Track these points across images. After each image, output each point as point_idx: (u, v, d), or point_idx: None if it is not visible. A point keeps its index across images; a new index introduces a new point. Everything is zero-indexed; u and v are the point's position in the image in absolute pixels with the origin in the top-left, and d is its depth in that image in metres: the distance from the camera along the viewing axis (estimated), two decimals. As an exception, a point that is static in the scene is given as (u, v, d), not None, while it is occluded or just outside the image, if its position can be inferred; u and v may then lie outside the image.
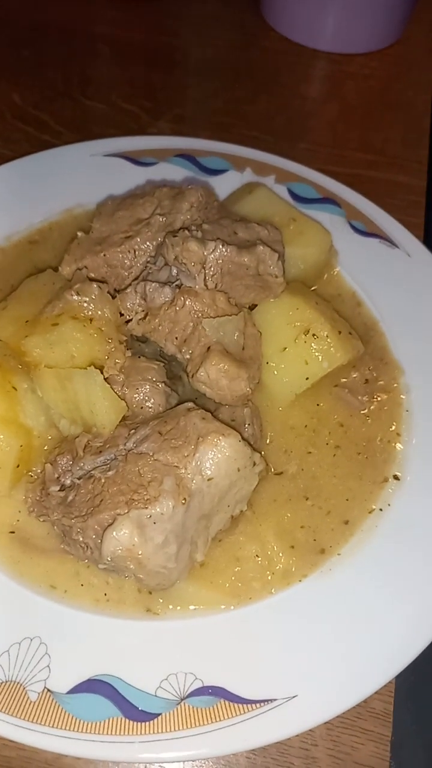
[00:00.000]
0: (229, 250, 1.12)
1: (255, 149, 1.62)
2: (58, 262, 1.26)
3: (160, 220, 1.22)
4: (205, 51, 2.13)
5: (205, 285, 1.13)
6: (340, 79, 2.04)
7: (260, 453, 1.07)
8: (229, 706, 0.93)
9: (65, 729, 0.90)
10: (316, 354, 1.17)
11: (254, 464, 1.02)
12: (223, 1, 2.29)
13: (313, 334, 1.17)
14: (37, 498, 1.05)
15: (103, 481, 0.99)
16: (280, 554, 1.07)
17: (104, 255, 1.21)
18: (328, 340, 1.17)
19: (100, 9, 2.24)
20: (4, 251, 1.43)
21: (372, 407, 1.23)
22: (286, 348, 1.18)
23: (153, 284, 1.15)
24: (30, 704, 0.92)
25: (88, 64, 2.05)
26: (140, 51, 2.11)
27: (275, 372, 1.19)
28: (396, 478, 1.15)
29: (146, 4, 2.25)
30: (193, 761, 0.98)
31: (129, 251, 1.21)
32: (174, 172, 1.57)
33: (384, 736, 1.00)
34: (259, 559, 1.06)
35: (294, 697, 0.93)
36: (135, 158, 1.58)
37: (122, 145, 1.61)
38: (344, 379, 1.26)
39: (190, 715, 0.92)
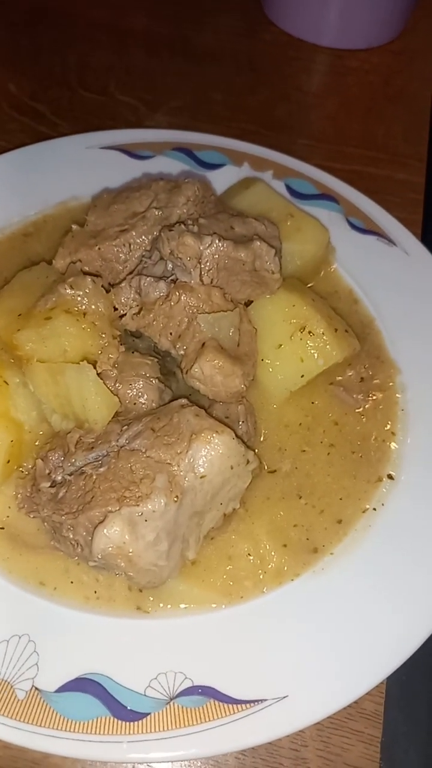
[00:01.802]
0: (225, 245, 1.10)
1: (253, 144, 1.60)
2: (52, 255, 1.24)
3: (156, 213, 1.20)
4: (205, 42, 2.10)
5: (201, 280, 1.12)
6: (341, 73, 2.02)
7: (254, 451, 1.06)
8: (219, 706, 0.92)
9: (53, 728, 0.89)
10: (312, 351, 1.16)
11: (248, 462, 1.01)
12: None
13: (309, 332, 1.16)
14: (28, 494, 1.04)
15: (94, 477, 0.98)
16: (273, 553, 1.06)
17: (99, 248, 1.19)
18: (324, 337, 1.16)
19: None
20: (-3, 243, 1.41)
21: (367, 406, 1.22)
22: (281, 345, 1.17)
23: (148, 279, 1.13)
24: (17, 703, 0.91)
25: (85, 53, 2.03)
26: (139, 40, 2.09)
27: (270, 369, 1.18)
28: (390, 477, 1.14)
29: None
30: (182, 762, 0.97)
31: (124, 245, 1.20)
32: (171, 165, 1.55)
33: (374, 737, 0.99)
34: (252, 557, 1.05)
35: (284, 697, 0.92)
36: (132, 151, 1.57)
37: (119, 137, 1.59)
38: (340, 377, 1.25)
39: (179, 715, 0.91)
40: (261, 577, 1.04)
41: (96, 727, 0.90)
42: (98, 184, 1.50)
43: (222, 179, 1.52)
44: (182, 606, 1.01)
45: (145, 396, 1.09)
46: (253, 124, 1.85)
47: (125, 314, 1.15)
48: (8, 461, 1.07)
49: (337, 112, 1.92)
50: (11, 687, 0.92)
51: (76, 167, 1.53)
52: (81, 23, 2.12)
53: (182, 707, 0.92)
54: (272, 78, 2.00)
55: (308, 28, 2.06)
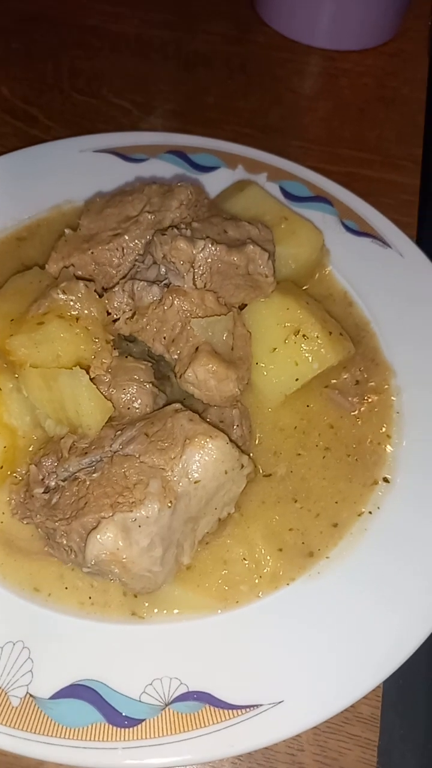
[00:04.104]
0: (218, 249, 1.10)
1: (247, 146, 1.60)
2: (45, 260, 1.24)
3: (149, 217, 1.20)
4: (197, 45, 2.10)
5: (194, 284, 1.11)
6: (335, 75, 2.02)
7: (249, 455, 1.06)
8: (215, 711, 0.91)
9: (47, 735, 0.89)
10: (307, 355, 1.16)
11: (242, 466, 1.01)
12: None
13: (304, 335, 1.16)
14: (21, 500, 1.04)
15: (88, 483, 0.97)
16: (268, 557, 1.05)
17: (92, 253, 1.19)
18: (319, 341, 1.16)
19: (91, 1, 2.21)
20: (-10, 248, 1.41)
21: (362, 409, 1.22)
22: (276, 348, 1.16)
23: (141, 283, 1.13)
24: (12, 709, 0.91)
25: (78, 57, 2.02)
26: (132, 44, 2.09)
27: (265, 372, 1.18)
28: (386, 480, 1.14)
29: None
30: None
31: (117, 249, 1.19)
32: (165, 168, 1.55)
33: (371, 741, 0.99)
34: (247, 562, 1.05)
35: (280, 702, 0.92)
36: (125, 154, 1.56)
37: (112, 141, 1.59)
38: (335, 380, 1.24)
39: (174, 720, 0.91)
40: (256, 581, 1.03)
41: (91, 734, 0.89)
42: (92, 187, 1.50)
43: (216, 182, 1.51)
44: (177, 611, 1.01)
45: (139, 401, 1.09)
46: (246, 126, 1.85)
47: (118, 318, 1.14)
48: (2, 467, 1.07)
49: (330, 115, 1.92)
50: (5, 694, 0.92)
51: (69, 171, 1.53)
52: (74, 27, 2.11)
53: (177, 713, 0.91)
54: (265, 80, 2.00)
55: (301, 29, 2.06)
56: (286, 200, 1.50)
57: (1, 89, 1.89)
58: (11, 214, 1.46)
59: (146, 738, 0.89)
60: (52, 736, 0.89)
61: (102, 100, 1.89)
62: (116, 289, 1.14)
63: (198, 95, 1.94)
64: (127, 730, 0.90)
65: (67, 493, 0.98)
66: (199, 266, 1.11)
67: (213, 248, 1.10)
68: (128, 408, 1.09)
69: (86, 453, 1.03)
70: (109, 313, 1.14)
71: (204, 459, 0.96)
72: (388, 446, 1.18)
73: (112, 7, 2.19)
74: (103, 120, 1.83)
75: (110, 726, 0.90)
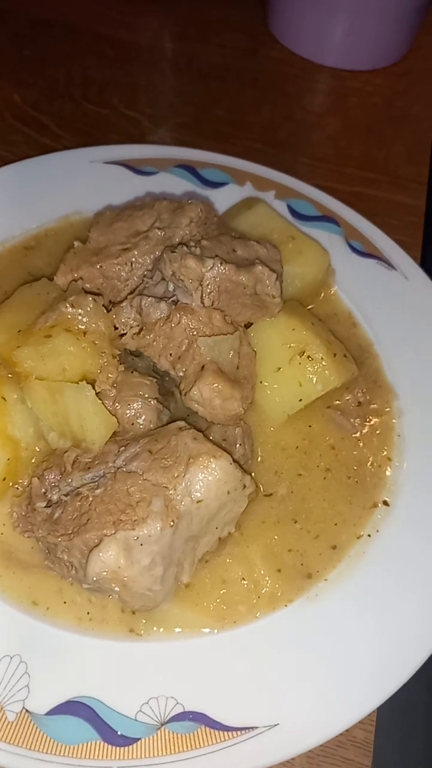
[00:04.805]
0: (227, 268, 1.11)
1: (256, 163, 1.61)
2: (52, 270, 1.24)
3: (159, 234, 1.20)
4: (210, 58, 2.11)
5: (202, 302, 1.12)
6: (344, 94, 2.04)
7: (251, 474, 1.06)
8: (210, 732, 0.92)
9: (42, 751, 0.89)
10: (311, 376, 1.16)
11: (244, 487, 1.01)
12: (231, 7, 2.28)
13: (308, 356, 1.16)
14: (23, 513, 1.04)
15: (90, 499, 0.97)
16: (267, 578, 1.06)
17: (100, 266, 1.19)
18: (323, 362, 1.16)
19: (106, 9, 2.22)
20: (-2, 256, 1.41)
21: (364, 431, 1.23)
22: (280, 368, 1.17)
23: (149, 299, 1.13)
24: (7, 725, 0.91)
25: (90, 66, 2.03)
26: (144, 55, 2.10)
27: (268, 392, 1.18)
28: (386, 503, 1.15)
29: (152, 8, 2.24)
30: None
31: (126, 264, 1.20)
32: (174, 183, 1.55)
33: (365, 766, 0.99)
34: (246, 582, 1.05)
35: (275, 725, 0.92)
36: (135, 167, 1.57)
37: (123, 152, 1.59)
38: (337, 401, 1.25)
39: (169, 740, 0.91)
40: (254, 601, 1.04)
41: (86, 752, 0.90)
42: (101, 199, 1.50)
43: (224, 198, 1.52)
44: (175, 630, 1.01)
45: (143, 417, 1.09)
46: (256, 141, 1.86)
47: (125, 333, 1.15)
48: (4, 478, 1.07)
49: (339, 133, 1.93)
50: (2, 708, 0.92)
51: (79, 181, 1.53)
52: (87, 36, 2.12)
53: (173, 733, 0.92)
54: (276, 96, 2.02)
55: (313, 48, 2.07)
56: (294, 219, 1.51)
57: (12, 96, 1.89)
58: (19, 223, 1.46)
59: (141, 758, 0.89)
60: (46, 752, 0.89)
61: (113, 110, 1.90)
62: (124, 304, 1.15)
63: (209, 108, 1.95)
64: (122, 749, 0.90)
65: (70, 508, 0.98)
66: (208, 285, 1.11)
67: (222, 267, 1.11)
68: (132, 423, 1.09)
69: (89, 468, 1.03)
70: (116, 328, 1.14)
71: (207, 479, 0.96)
72: (388, 469, 1.19)
73: (125, 17, 2.20)
74: (113, 130, 1.83)
75: (105, 744, 0.90)
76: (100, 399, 1.05)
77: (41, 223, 1.47)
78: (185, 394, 1.09)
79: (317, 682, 0.96)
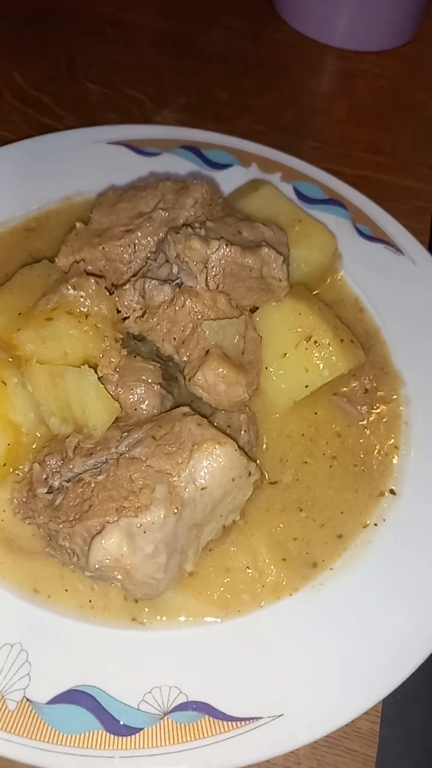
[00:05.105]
0: (232, 250, 1.08)
1: (262, 144, 1.57)
2: (54, 252, 1.21)
3: (163, 215, 1.18)
4: (213, 39, 2.07)
5: (207, 285, 1.09)
6: (351, 76, 2.00)
7: (255, 462, 1.04)
8: (213, 722, 0.90)
9: (44, 741, 0.88)
10: (317, 362, 1.14)
11: (249, 474, 0.99)
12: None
13: (315, 341, 1.14)
14: (24, 499, 1.02)
15: (92, 485, 0.95)
16: (272, 567, 1.04)
17: (103, 248, 1.17)
18: (330, 348, 1.14)
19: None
20: (-1, 237, 1.38)
21: (371, 418, 1.21)
22: (286, 354, 1.15)
23: (152, 282, 1.11)
24: (8, 714, 0.89)
25: (92, 46, 1.99)
26: (147, 36, 2.05)
27: (274, 378, 1.16)
28: (392, 492, 1.13)
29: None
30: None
31: (129, 245, 1.17)
32: (178, 164, 1.52)
33: (369, 757, 0.98)
34: (250, 570, 1.03)
35: (280, 716, 0.91)
36: (138, 147, 1.54)
37: (126, 133, 1.56)
38: (344, 388, 1.23)
39: (172, 730, 0.89)
40: (259, 590, 1.02)
41: (88, 741, 0.88)
42: (104, 180, 1.47)
43: (229, 180, 1.49)
44: (178, 618, 0.99)
45: (147, 402, 1.07)
46: (259, 124, 1.82)
47: (128, 317, 1.12)
48: (4, 464, 1.05)
49: (345, 116, 1.90)
50: (2, 697, 0.90)
51: (81, 162, 1.50)
52: (88, 16, 2.08)
53: (176, 723, 0.90)
54: (280, 78, 1.98)
55: (320, 28, 2.03)
56: (300, 201, 1.48)
57: (13, 75, 1.85)
58: (21, 204, 1.43)
59: (144, 747, 0.88)
60: (48, 742, 0.87)
61: (115, 90, 1.86)
62: (127, 286, 1.12)
63: (212, 90, 1.91)
64: (124, 738, 0.88)
65: (71, 495, 0.96)
66: (213, 267, 1.08)
67: (227, 249, 1.08)
68: (135, 409, 1.07)
69: (91, 454, 1.01)
70: (119, 311, 1.12)
71: (212, 465, 0.94)
72: (395, 457, 1.17)
73: (128, -3, 2.15)
74: (115, 111, 1.80)
75: (108, 734, 0.88)
76: (102, 384, 1.03)
77: (43, 203, 1.44)
78: (189, 380, 1.07)
79: (322, 672, 0.95)
